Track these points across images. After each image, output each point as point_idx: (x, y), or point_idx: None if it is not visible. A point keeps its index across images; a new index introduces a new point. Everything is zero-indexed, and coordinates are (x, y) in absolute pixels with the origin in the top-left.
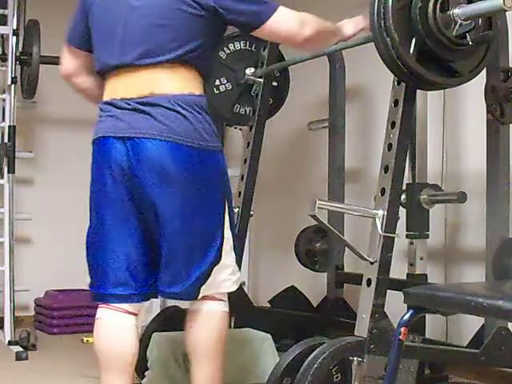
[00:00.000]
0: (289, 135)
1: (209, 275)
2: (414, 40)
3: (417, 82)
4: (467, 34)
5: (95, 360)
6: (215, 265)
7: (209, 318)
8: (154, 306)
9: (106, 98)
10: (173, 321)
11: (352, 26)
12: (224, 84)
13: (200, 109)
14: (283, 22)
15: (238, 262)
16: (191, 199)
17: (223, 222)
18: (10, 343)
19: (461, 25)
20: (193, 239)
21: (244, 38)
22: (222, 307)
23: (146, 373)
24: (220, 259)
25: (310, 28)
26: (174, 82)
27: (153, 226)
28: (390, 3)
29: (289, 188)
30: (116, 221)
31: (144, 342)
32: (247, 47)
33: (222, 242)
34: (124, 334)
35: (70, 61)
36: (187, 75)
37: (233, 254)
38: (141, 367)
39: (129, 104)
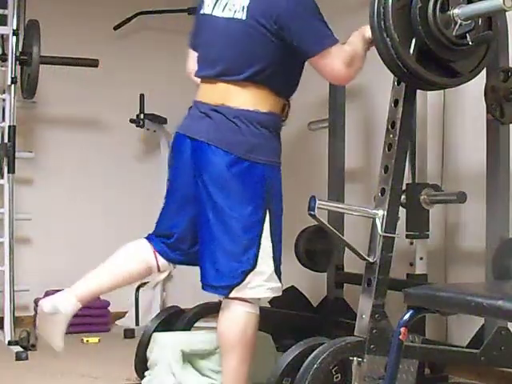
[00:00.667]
0: (289, 135)
1: (242, 279)
2: (413, 40)
3: (417, 82)
4: (467, 34)
5: (95, 360)
6: (250, 270)
7: (233, 316)
8: (154, 305)
9: (196, 99)
10: (173, 321)
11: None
12: None
13: (259, 124)
14: (331, 62)
15: (278, 272)
16: (228, 204)
17: (260, 231)
18: (9, 343)
19: (461, 25)
20: (228, 241)
21: None
22: (247, 308)
23: (146, 373)
24: (255, 266)
25: (354, 68)
26: (242, 98)
27: (198, 218)
28: (390, 3)
29: (289, 188)
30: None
31: (144, 341)
32: None
33: (258, 249)
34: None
35: (192, 62)
36: (256, 93)
37: (270, 262)
38: (141, 367)
39: (204, 108)
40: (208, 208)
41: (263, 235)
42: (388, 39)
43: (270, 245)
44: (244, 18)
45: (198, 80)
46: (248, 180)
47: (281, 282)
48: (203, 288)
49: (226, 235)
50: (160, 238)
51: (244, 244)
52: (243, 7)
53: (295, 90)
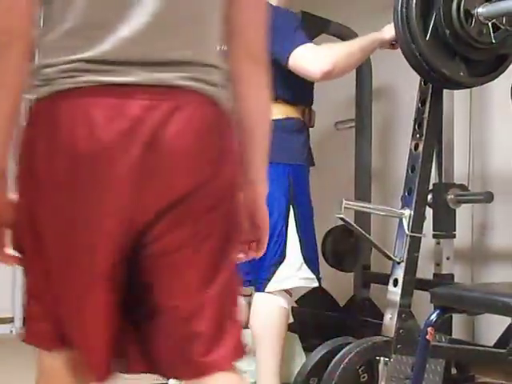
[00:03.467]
0: (315, 135)
1: (273, 272)
2: (458, 60)
3: (445, 83)
4: (491, 34)
5: None
6: (279, 262)
7: (259, 310)
8: None
9: None
10: None
11: (391, 32)
12: None
13: (273, 129)
14: (299, 61)
15: (310, 264)
16: None
17: (283, 226)
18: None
19: (486, 25)
20: None
21: None
22: (278, 302)
23: None
24: (283, 258)
25: (326, 63)
26: None
27: None
28: (414, 11)
29: (315, 188)
30: None
31: None
32: None
33: (284, 240)
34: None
35: None
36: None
37: (299, 255)
38: None
39: None
40: None
41: (289, 230)
42: (414, 46)
43: (297, 239)
44: None
45: None
46: (271, 179)
47: (317, 274)
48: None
49: None
50: None
51: (269, 238)
52: None
53: (309, 95)
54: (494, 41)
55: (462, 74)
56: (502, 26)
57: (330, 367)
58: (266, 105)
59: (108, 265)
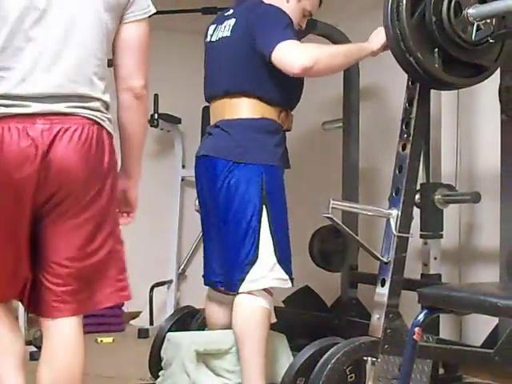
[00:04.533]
0: (303, 135)
1: (247, 272)
2: (436, 53)
3: (431, 82)
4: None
5: (109, 359)
6: (252, 262)
7: (239, 310)
8: (168, 305)
9: None
10: (187, 321)
11: (378, 40)
12: None
13: (252, 129)
14: (282, 54)
15: (284, 264)
16: (224, 203)
17: (256, 226)
18: None
19: (479, 28)
20: (228, 237)
21: None
22: (259, 302)
23: (160, 372)
24: (256, 258)
25: (307, 59)
26: (235, 110)
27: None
28: (406, 23)
29: (303, 188)
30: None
31: (158, 341)
32: None
33: (258, 243)
34: None
35: None
36: (248, 103)
37: (272, 255)
38: (155, 367)
39: (209, 129)
40: (211, 213)
41: (261, 230)
42: (411, 58)
43: (270, 238)
44: (229, 35)
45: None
46: (244, 180)
47: (290, 275)
48: (213, 286)
49: (227, 233)
50: None
51: (242, 238)
52: (230, 26)
53: (292, 99)
54: (473, 39)
55: (436, 66)
56: (482, 27)
57: (317, 367)
58: (141, 125)
59: (23, 226)
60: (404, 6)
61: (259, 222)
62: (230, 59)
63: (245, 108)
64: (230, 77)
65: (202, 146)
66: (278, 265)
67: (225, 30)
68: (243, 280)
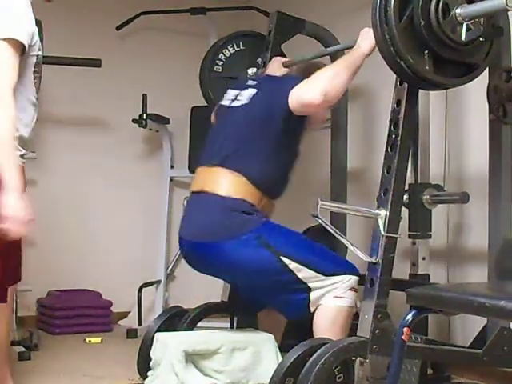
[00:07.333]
0: None
1: (307, 300)
2: (426, 55)
3: (419, 82)
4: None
5: (97, 360)
6: (307, 292)
7: (320, 312)
8: (157, 306)
9: None
10: (175, 321)
11: (367, 42)
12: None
13: (230, 209)
14: (296, 99)
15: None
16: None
17: (288, 272)
18: (12, 343)
19: (469, 28)
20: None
21: (231, 42)
22: (334, 302)
23: (149, 373)
24: (308, 287)
25: (315, 96)
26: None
27: None
28: (394, 27)
29: (291, 188)
30: None
31: (147, 341)
32: (236, 48)
33: (297, 277)
34: None
35: None
36: (232, 180)
37: (313, 273)
38: (143, 367)
39: None
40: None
41: (292, 268)
42: (402, 62)
43: (300, 266)
44: (247, 102)
45: None
46: (245, 252)
47: (346, 270)
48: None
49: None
50: None
51: (287, 286)
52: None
53: (280, 190)
54: (464, 39)
55: (427, 68)
56: (472, 27)
57: (305, 367)
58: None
59: None
60: (392, 10)
61: (287, 269)
62: (240, 129)
63: (229, 186)
64: (231, 148)
65: (185, 226)
66: (323, 276)
67: (244, 98)
68: (308, 305)
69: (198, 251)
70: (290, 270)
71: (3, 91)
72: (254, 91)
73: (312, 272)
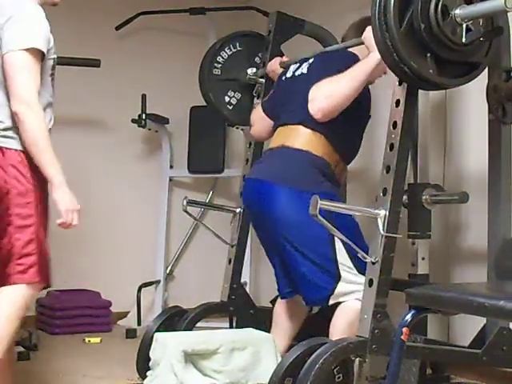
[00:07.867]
0: None
1: (334, 288)
2: (428, 58)
3: (414, 79)
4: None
5: (97, 360)
6: (336, 281)
7: (340, 312)
8: (156, 306)
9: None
10: (175, 321)
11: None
12: (233, 96)
13: (309, 164)
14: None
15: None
16: (294, 231)
17: (332, 246)
18: None
19: (469, 29)
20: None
21: (230, 42)
22: (356, 305)
23: (148, 373)
24: (339, 277)
25: (316, 111)
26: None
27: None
28: (395, 33)
29: None
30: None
31: (146, 341)
32: (238, 48)
33: (336, 263)
34: None
35: (255, 116)
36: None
37: (354, 270)
38: (143, 367)
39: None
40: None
41: (335, 244)
42: (405, 68)
43: (342, 248)
44: (305, 72)
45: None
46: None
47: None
48: (307, 304)
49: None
50: None
51: (323, 259)
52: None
53: (351, 152)
54: (464, 41)
55: (431, 71)
56: (473, 28)
57: (305, 367)
58: (36, 134)
59: None
60: (392, 17)
61: (333, 243)
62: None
63: (310, 143)
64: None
65: (256, 168)
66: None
67: (303, 68)
68: (331, 294)
69: (261, 190)
70: (334, 245)
71: (31, 98)
72: (311, 61)
73: (349, 261)
